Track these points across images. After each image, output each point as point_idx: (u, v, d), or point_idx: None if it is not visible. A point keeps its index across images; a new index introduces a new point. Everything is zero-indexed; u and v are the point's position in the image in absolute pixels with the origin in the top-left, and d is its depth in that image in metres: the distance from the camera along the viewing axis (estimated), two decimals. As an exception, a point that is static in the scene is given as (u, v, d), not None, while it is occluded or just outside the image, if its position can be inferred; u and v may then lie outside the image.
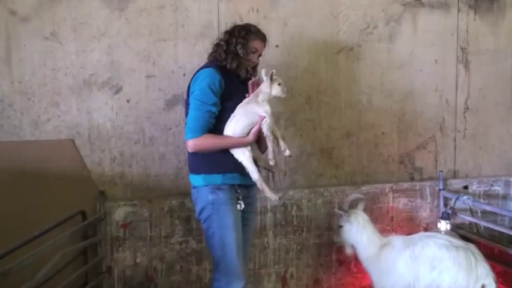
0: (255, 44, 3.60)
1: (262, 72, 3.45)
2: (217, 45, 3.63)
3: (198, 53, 4.31)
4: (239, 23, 3.84)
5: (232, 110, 3.43)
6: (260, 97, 3.42)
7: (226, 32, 3.66)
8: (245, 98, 3.48)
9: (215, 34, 4.15)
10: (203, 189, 3.48)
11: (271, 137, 3.38)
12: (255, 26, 3.68)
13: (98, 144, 4.25)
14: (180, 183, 4.36)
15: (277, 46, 4.54)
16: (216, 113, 3.40)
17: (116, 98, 4.26)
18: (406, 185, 4.94)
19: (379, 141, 4.94)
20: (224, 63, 3.53)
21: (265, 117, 3.36)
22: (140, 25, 4.27)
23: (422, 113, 5.04)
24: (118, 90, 4.25)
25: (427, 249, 3.93)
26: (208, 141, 3.37)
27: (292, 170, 4.71)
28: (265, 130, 3.36)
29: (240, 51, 3.55)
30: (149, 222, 4.30)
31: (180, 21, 4.33)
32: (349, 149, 4.87)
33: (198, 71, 3.56)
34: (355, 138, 4.88)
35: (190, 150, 3.43)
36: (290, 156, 3.47)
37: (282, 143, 3.45)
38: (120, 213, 4.23)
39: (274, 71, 3.46)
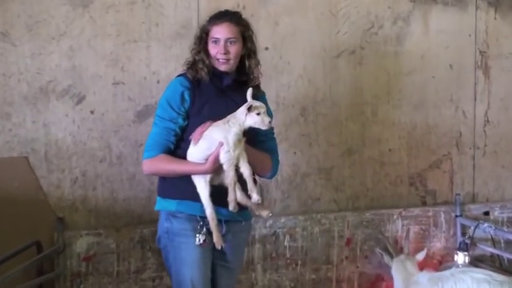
0: (212, 31, 3.34)
1: (248, 92, 3.18)
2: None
3: (175, 56, 4.33)
4: None
5: (198, 125, 3.27)
6: (231, 121, 3.15)
7: None
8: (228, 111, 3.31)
9: (193, 34, 4.17)
10: (161, 214, 3.48)
11: (232, 173, 3.11)
12: (222, 10, 3.48)
13: (56, 162, 4.24)
14: (153, 209, 4.35)
15: (266, 49, 4.56)
16: (177, 130, 3.31)
17: (77, 109, 4.26)
18: (417, 210, 4.96)
19: (385, 160, 4.97)
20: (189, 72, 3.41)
21: (223, 144, 3.11)
22: (107, 24, 4.28)
23: (435, 126, 5.07)
24: (80, 99, 4.25)
25: (461, 286, 3.91)
26: (161, 165, 3.32)
27: (284, 193, 4.72)
28: (223, 162, 3.12)
29: (196, 49, 3.41)
30: (116, 255, 4.28)
31: (153, 20, 4.35)
32: (350, 169, 4.89)
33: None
34: (358, 156, 4.90)
35: (144, 173, 3.48)
36: (258, 203, 3.16)
37: (249, 182, 3.14)
38: (82, 244, 4.21)
39: (252, 104, 3.14)
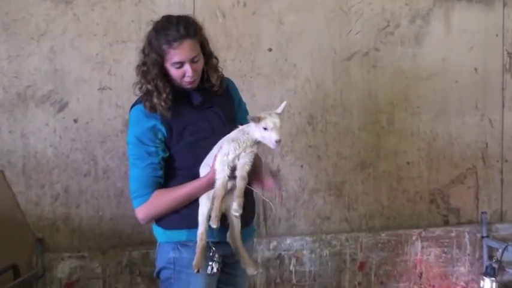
0: (170, 55, 3.16)
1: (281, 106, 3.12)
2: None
3: (168, 58, 4.34)
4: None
5: (188, 153, 3.25)
6: (244, 130, 3.11)
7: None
8: (214, 124, 3.29)
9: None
10: (164, 245, 3.43)
11: (220, 183, 3.06)
12: (164, 21, 3.24)
13: (35, 177, 4.24)
14: (144, 229, 4.35)
15: (270, 50, 4.57)
16: (162, 162, 3.24)
17: (59, 117, 4.26)
18: (438, 230, 4.95)
19: (403, 174, 4.97)
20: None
21: (215, 171, 3.07)
22: (92, 22, 4.29)
23: (458, 137, 5.07)
24: (62, 106, 4.26)
25: None
26: (161, 201, 3.22)
27: (290, 211, 4.71)
28: (216, 167, 3.08)
29: (150, 76, 3.21)
30: (102, 280, 4.27)
31: (144, 18, 4.34)
32: (364, 184, 4.89)
33: (131, 108, 3.37)
34: (372, 170, 4.90)
35: (142, 222, 3.33)
36: (235, 214, 3.05)
37: (237, 190, 3.05)
38: (63, 268, 4.20)
39: (261, 115, 3.03)
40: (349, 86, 4.80)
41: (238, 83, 3.62)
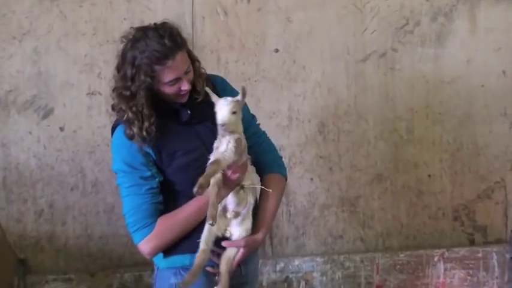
0: (164, 74, 3.05)
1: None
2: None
3: (164, 60, 4.33)
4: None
5: (183, 175, 3.15)
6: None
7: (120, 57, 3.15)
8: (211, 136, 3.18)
9: (187, 34, 4.16)
10: (165, 271, 3.43)
11: (214, 178, 2.97)
12: (142, 36, 3.08)
13: (17, 191, 4.25)
14: (137, 249, 4.32)
15: (276, 51, 4.57)
16: (159, 186, 3.16)
17: (44, 125, 4.27)
18: (463, 251, 4.93)
19: (424, 188, 4.96)
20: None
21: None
22: (80, 20, 4.30)
23: (485, 147, 5.05)
24: (47, 113, 4.26)
25: None
26: (170, 227, 3.13)
27: (299, 229, 4.71)
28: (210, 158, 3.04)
29: (133, 104, 3.05)
30: (91, 306, 4.27)
31: (137, 16, 4.36)
32: (381, 199, 4.88)
33: (112, 130, 3.25)
34: (390, 184, 4.89)
35: (149, 257, 3.22)
36: (211, 224, 2.94)
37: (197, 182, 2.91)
38: (48, 292, 4.20)
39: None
40: (364, 90, 4.80)
41: (241, 87, 3.59)
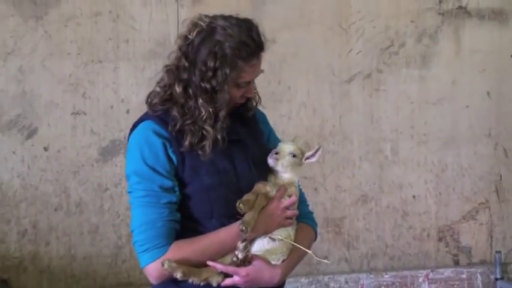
0: (246, 72, 2.68)
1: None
2: (169, 73, 2.67)
3: (148, 80, 4.33)
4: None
5: (202, 198, 2.66)
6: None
7: (186, 39, 2.62)
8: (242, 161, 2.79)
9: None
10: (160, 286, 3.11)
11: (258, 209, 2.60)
12: (230, 24, 2.65)
13: (0, 211, 4.24)
14: (121, 269, 4.35)
15: (261, 71, 4.57)
16: (178, 203, 2.64)
17: (27, 145, 4.27)
18: (448, 272, 4.95)
19: (408, 209, 4.98)
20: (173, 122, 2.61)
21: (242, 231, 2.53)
22: (65, 40, 4.32)
23: (470, 168, 5.09)
24: (31, 133, 4.27)
25: None
26: (183, 255, 2.59)
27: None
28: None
29: (216, 95, 2.61)
30: (74, 327, 4.26)
31: (122, 35, 4.38)
32: (365, 220, 4.90)
33: (132, 127, 2.74)
34: (375, 204, 4.91)
35: (155, 282, 2.64)
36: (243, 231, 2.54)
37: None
38: (31, 313, 4.19)
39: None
40: (349, 111, 4.83)
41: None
